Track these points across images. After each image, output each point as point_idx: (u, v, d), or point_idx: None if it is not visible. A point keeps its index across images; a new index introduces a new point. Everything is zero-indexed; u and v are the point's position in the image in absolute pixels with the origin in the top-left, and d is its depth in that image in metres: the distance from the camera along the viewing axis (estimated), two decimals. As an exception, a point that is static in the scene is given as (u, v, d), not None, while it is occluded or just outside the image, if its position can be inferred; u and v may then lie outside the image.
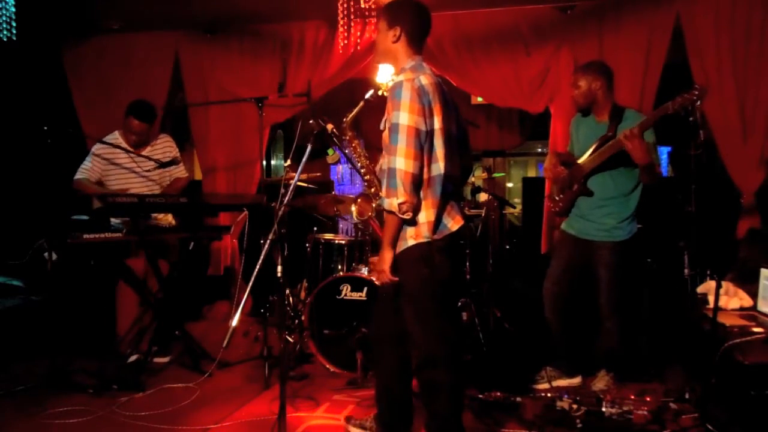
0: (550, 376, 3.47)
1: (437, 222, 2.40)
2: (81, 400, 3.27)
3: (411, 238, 2.38)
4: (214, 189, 5.07)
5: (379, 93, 2.81)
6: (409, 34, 2.44)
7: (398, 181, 2.27)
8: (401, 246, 2.40)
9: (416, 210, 2.35)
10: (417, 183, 2.31)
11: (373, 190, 2.69)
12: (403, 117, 2.27)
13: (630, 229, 3.33)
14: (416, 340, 2.44)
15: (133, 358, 3.75)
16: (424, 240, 2.38)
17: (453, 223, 2.45)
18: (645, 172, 3.18)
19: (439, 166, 2.38)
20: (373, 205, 2.72)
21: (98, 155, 3.94)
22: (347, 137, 2.77)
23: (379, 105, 2.75)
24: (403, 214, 2.30)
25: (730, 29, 4.02)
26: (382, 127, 2.45)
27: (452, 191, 2.47)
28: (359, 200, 3.13)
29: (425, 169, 2.35)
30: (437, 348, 2.42)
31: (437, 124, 2.36)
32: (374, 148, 2.91)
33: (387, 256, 2.38)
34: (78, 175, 3.95)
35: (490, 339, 4.08)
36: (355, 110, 2.71)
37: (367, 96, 2.67)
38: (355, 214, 3.46)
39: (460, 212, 2.49)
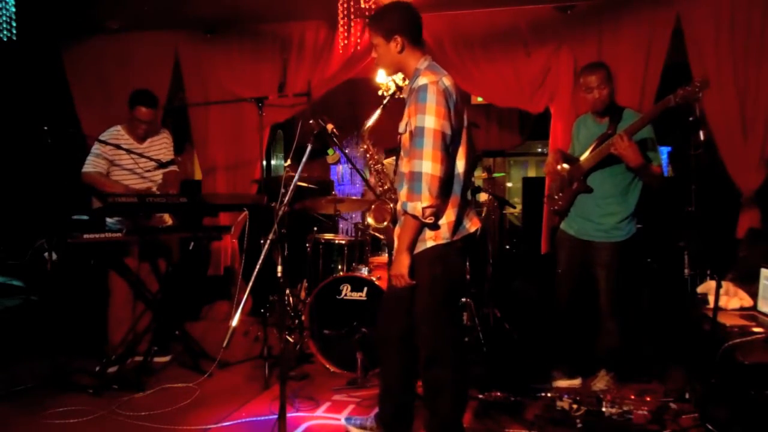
0: (551, 377, 3.47)
1: (457, 222, 2.38)
2: (81, 400, 3.27)
3: (430, 239, 2.37)
4: (214, 189, 5.06)
5: (397, 96, 2.80)
6: (410, 39, 2.41)
7: (424, 185, 2.23)
8: (419, 247, 2.38)
9: (438, 214, 2.33)
10: (443, 186, 2.29)
11: (394, 196, 2.66)
12: (429, 120, 2.24)
13: (629, 230, 3.32)
14: (424, 337, 2.44)
15: (112, 369, 3.66)
16: (443, 242, 2.37)
17: (471, 224, 2.44)
18: (640, 174, 3.20)
19: (459, 165, 2.38)
20: (389, 207, 2.69)
21: (100, 154, 3.93)
22: (365, 146, 2.76)
23: (376, 104, 2.76)
24: (426, 218, 2.27)
25: (730, 29, 4.02)
26: (401, 130, 2.42)
27: (469, 188, 2.47)
28: (374, 206, 3.08)
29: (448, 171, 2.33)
30: (443, 346, 2.42)
31: (461, 123, 2.36)
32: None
33: (405, 260, 2.34)
34: (89, 169, 3.83)
35: (490, 339, 4.08)
36: (374, 118, 2.70)
37: (385, 102, 2.67)
38: (371, 221, 3.43)
39: (477, 214, 2.49)
